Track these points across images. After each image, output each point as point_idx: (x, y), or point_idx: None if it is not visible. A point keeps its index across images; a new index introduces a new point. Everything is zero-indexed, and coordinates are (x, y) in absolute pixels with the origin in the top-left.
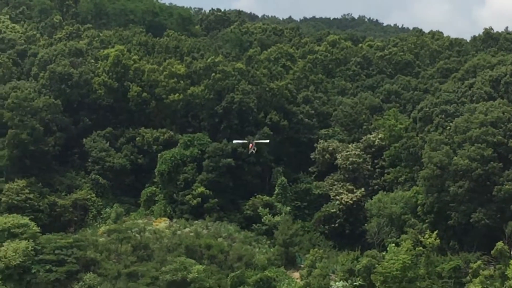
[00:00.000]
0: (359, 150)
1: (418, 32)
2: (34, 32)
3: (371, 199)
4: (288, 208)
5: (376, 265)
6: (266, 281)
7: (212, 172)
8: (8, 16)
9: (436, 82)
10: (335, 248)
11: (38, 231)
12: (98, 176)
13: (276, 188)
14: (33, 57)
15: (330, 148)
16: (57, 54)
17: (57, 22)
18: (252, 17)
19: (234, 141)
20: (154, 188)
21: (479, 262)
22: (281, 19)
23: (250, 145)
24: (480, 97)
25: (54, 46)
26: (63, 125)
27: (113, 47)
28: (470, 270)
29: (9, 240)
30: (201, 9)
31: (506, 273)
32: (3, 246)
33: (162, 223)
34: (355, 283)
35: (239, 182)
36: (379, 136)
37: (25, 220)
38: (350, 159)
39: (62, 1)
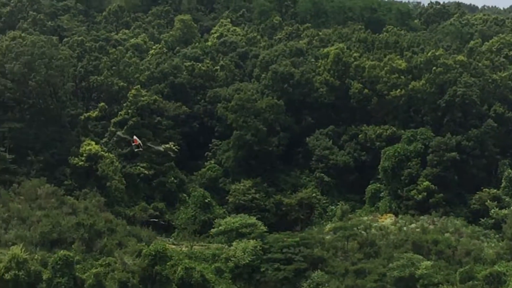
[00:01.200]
0: None
1: None
2: (255, 34)
3: None
4: None
5: None
6: (496, 276)
7: (437, 167)
8: (229, 20)
9: None
10: None
11: (265, 230)
12: (322, 174)
13: (502, 181)
14: (255, 58)
15: None
16: (278, 54)
17: (277, 23)
18: (472, 8)
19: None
20: (379, 185)
21: None
22: (502, 8)
23: (135, 140)
24: None
25: (274, 47)
26: (286, 124)
27: (332, 45)
28: None
29: (237, 240)
30: (420, 2)
31: None
32: (232, 245)
33: (387, 219)
34: None
35: (464, 176)
36: None
37: (252, 219)
38: None
39: (281, 2)
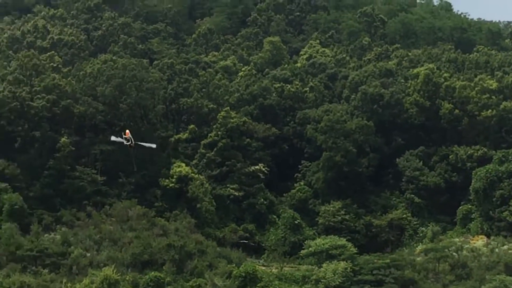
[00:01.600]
0: None
1: None
2: (344, 55)
3: None
4: None
5: None
6: None
7: None
8: (318, 41)
9: None
10: None
11: (355, 251)
12: (412, 196)
13: None
14: (344, 79)
15: None
16: (367, 75)
17: (366, 44)
18: None
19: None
20: (470, 206)
21: None
22: None
23: (126, 133)
24: None
25: (364, 68)
26: (376, 145)
27: (422, 65)
28: None
29: (327, 261)
30: (510, 22)
31: None
32: (322, 267)
33: (479, 241)
34: None
35: None
36: None
37: (342, 241)
38: None
39: (370, 23)
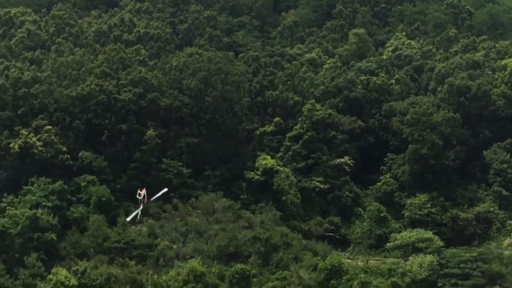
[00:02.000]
0: None
1: None
2: (430, 47)
3: None
4: None
5: None
6: None
7: None
8: (404, 33)
9: None
10: None
11: (442, 245)
12: (500, 188)
13: None
14: (430, 71)
15: None
16: (454, 67)
17: (453, 36)
18: None
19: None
20: None
21: None
22: None
23: (143, 190)
24: None
25: (450, 60)
26: (462, 138)
27: (510, 57)
28: None
29: (414, 254)
30: None
31: None
32: (408, 260)
33: None
34: None
35: None
36: None
37: (429, 234)
38: None
39: (457, 14)
